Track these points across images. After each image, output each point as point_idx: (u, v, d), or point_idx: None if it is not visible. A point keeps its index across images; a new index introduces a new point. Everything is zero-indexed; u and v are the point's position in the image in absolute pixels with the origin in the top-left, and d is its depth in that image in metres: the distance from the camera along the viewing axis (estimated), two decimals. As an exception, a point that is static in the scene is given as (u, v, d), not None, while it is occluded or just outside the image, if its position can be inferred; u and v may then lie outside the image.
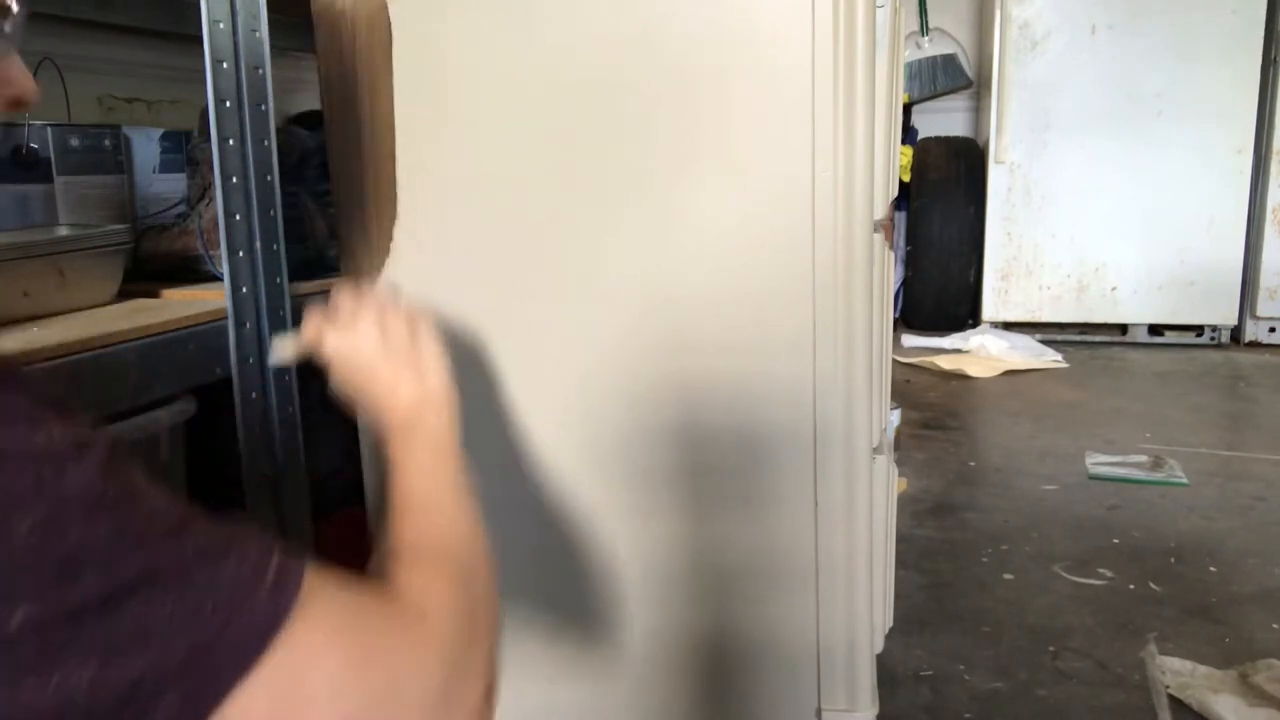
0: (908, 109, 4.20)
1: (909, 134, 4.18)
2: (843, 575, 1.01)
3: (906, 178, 3.97)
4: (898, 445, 2.55)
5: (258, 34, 1.05)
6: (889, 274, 1.30)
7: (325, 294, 1.22)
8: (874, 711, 1.06)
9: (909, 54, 4.24)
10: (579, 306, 1.02)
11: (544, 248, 1.01)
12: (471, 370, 1.06)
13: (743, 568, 1.03)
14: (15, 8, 0.44)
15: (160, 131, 1.34)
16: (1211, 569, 1.88)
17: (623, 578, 1.06)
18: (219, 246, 1.06)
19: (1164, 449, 2.56)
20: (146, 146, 1.32)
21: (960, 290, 4.00)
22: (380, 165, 1.04)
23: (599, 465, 1.04)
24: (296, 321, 1.16)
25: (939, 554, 1.98)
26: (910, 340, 3.88)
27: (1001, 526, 2.11)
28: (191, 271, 1.18)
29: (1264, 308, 3.73)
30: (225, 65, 1.03)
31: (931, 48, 4.31)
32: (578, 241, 1.01)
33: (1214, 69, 3.58)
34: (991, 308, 3.93)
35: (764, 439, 1.00)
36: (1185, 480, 2.34)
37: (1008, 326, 3.92)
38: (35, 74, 0.46)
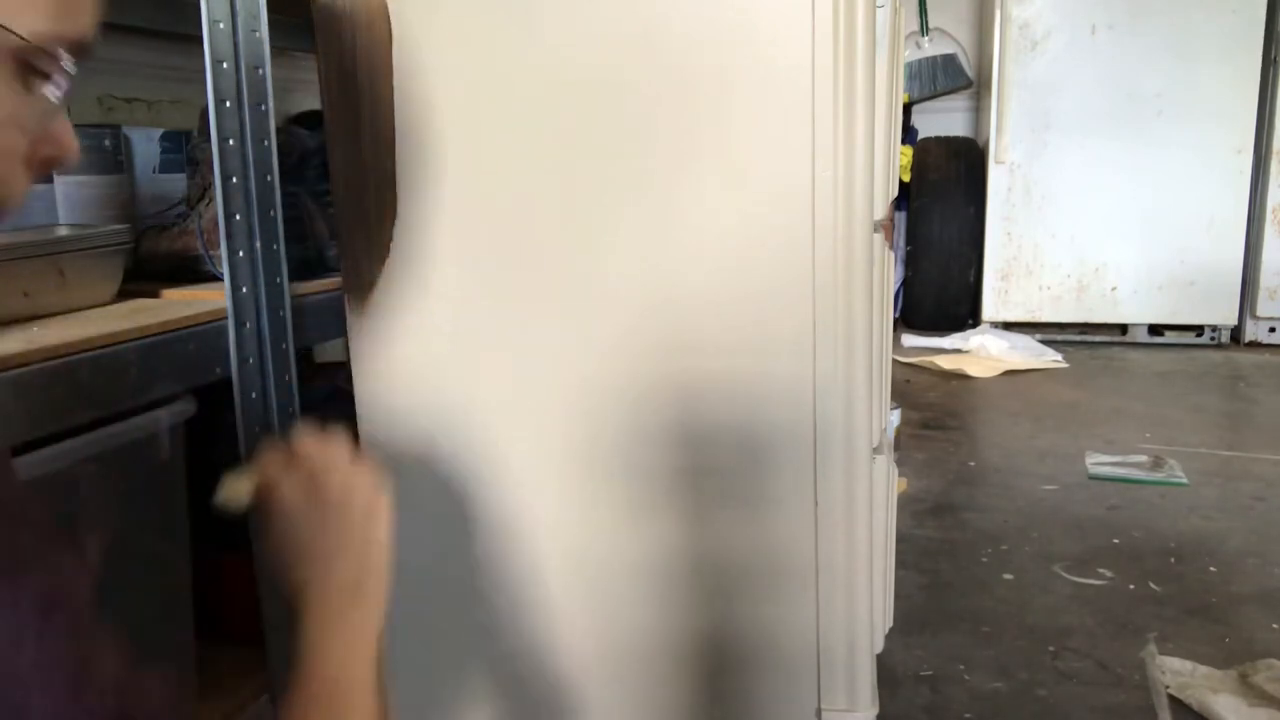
0: (908, 109, 4.20)
1: (909, 134, 4.18)
2: (843, 575, 1.01)
3: (906, 178, 3.97)
4: (898, 445, 2.55)
5: (258, 34, 1.05)
6: (889, 274, 1.30)
7: (325, 293, 1.22)
8: (874, 711, 1.06)
9: (909, 54, 4.24)
10: (579, 306, 1.02)
11: (544, 248, 1.01)
12: (472, 370, 1.06)
13: (743, 567, 1.03)
14: (71, 70, 0.43)
15: (160, 131, 1.34)
16: (1211, 569, 1.88)
17: (623, 577, 1.06)
18: (219, 246, 1.06)
19: (1164, 449, 2.56)
20: (146, 146, 1.32)
21: (960, 290, 4.00)
22: (380, 165, 1.04)
23: (599, 465, 1.04)
24: (297, 321, 1.16)
25: (939, 554, 1.98)
26: (910, 340, 3.88)
27: (1001, 526, 2.11)
28: (191, 271, 1.18)
29: (1264, 308, 3.73)
30: (225, 65, 1.03)
31: (931, 48, 4.31)
32: (578, 241, 1.01)
33: (1214, 69, 3.58)
34: (991, 308, 3.93)
35: (764, 439, 1.00)
36: (1185, 480, 2.34)
37: (1008, 326, 3.92)
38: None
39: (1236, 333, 3.82)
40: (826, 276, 0.96)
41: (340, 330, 1.15)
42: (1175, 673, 1.50)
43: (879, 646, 1.26)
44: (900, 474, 2.25)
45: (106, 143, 1.22)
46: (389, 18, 1.00)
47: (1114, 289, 3.83)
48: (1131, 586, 1.82)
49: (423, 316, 1.06)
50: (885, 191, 1.15)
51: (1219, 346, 3.79)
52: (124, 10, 1.37)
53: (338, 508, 0.67)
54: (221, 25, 1.01)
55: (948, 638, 1.65)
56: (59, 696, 0.39)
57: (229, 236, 1.06)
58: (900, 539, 1.93)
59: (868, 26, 0.95)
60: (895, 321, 4.07)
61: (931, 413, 2.97)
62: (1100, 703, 1.46)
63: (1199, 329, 3.82)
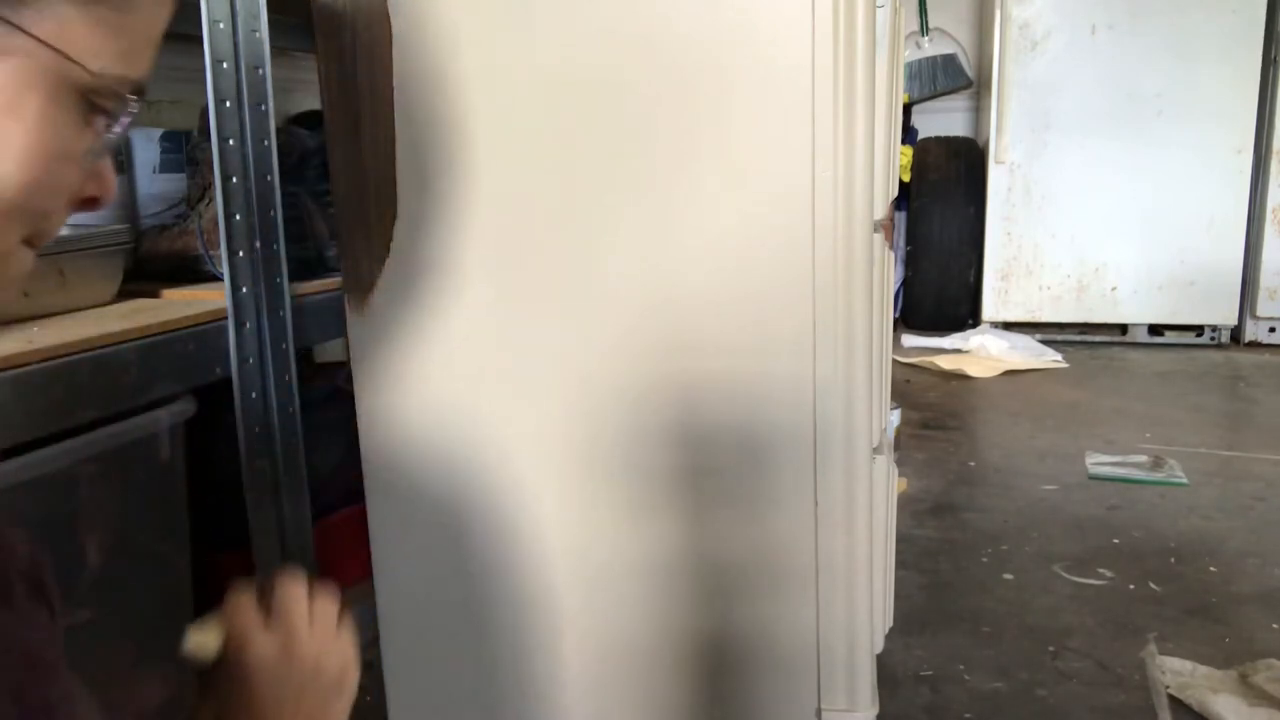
0: (908, 109, 4.20)
1: (909, 134, 4.18)
2: (843, 575, 1.01)
3: (906, 178, 3.97)
4: (898, 445, 2.55)
5: (258, 34, 1.05)
6: (889, 274, 1.30)
7: (325, 293, 1.22)
8: (874, 711, 1.06)
9: (909, 54, 4.24)
10: (579, 306, 1.02)
11: (544, 247, 1.01)
12: (472, 370, 1.06)
13: (743, 567, 1.03)
14: (134, 109, 0.44)
15: (160, 131, 1.34)
16: (1211, 569, 1.88)
17: (623, 577, 1.06)
18: (219, 246, 1.06)
19: (1164, 449, 2.56)
20: (146, 146, 1.32)
21: (960, 290, 4.00)
22: (380, 165, 1.04)
23: (599, 465, 1.04)
24: (297, 321, 1.16)
25: (939, 554, 1.98)
26: (910, 340, 3.88)
27: (1001, 526, 2.11)
28: (191, 271, 1.18)
29: (1264, 308, 3.73)
30: (225, 65, 1.03)
31: (931, 48, 4.31)
32: (578, 241, 1.01)
33: (1214, 69, 3.58)
34: (991, 308, 3.93)
35: (764, 439, 1.00)
36: (1185, 480, 2.34)
37: (1008, 326, 3.92)
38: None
39: (1236, 333, 3.82)
40: (826, 276, 0.96)
41: (340, 330, 1.15)
42: (1175, 673, 1.50)
43: (879, 646, 1.26)
44: (900, 474, 2.25)
45: (106, 143, 1.22)
46: (389, 18, 1.00)
47: (1114, 289, 3.83)
48: (1131, 586, 1.82)
49: (422, 316, 1.06)
50: (885, 191, 1.15)
51: (1219, 346, 3.79)
52: (124, 10, 1.37)
53: (309, 674, 0.62)
54: (221, 25, 1.01)
55: (948, 638, 1.65)
56: None
57: (229, 236, 1.06)
58: (900, 539, 1.93)
59: (868, 26, 0.95)
60: (895, 321, 4.07)
61: (931, 413, 2.97)
62: (1100, 703, 1.46)
63: (1199, 329, 3.82)
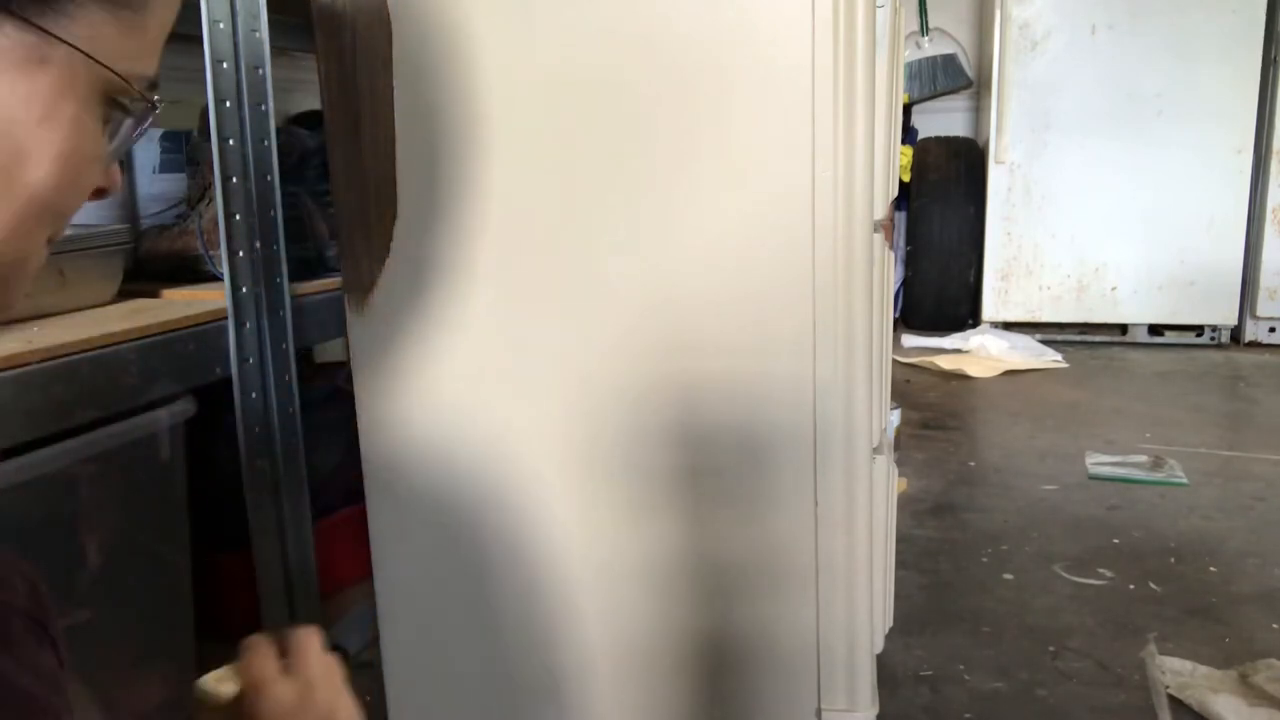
0: (908, 109, 4.20)
1: (909, 134, 4.18)
2: (843, 575, 1.01)
3: (906, 178, 3.97)
4: (898, 445, 2.55)
5: (258, 34, 1.05)
6: (889, 274, 1.30)
7: (325, 293, 1.22)
8: (874, 711, 1.06)
9: (909, 54, 4.24)
10: (579, 306, 1.02)
11: (543, 247, 1.01)
12: (472, 371, 1.06)
13: (743, 567, 1.03)
14: (152, 109, 0.45)
15: (160, 131, 1.34)
16: (1211, 569, 1.88)
17: (623, 577, 1.06)
18: (219, 246, 1.06)
19: (1164, 449, 2.56)
20: (146, 146, 1.32)
21: (960, 290, 4.00)
22: (380, 165, 1.04)
23: (599, 465, 1.04)
24: (297, 321, 1.16)
25: (939, 554, 1.98)
26: (910, 340, 3.88)
27: (1001, 526, 2.11)
28: (191, 271, 1.18)
29: (1264, 308, 3.73)
30: (225, 65, 1.03)
31: (931, 48, 4.31)
32: (578, 241, 1.01)
33: (1214, 69, 3.58)
34: (991, 308, 3.93)
35: (764, 439, 1.00)
36: (1185, 480, 2.34)
37: (1008, 326, 3.92)
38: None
39: (1236, 333, 3.82)
40: (826, 276, 0.96)
41: (340, 330, 1.15)
42: (1175, 673, 1.50)
43: (879, 646, 1.26)
44: (900, 474, 2.25)
45: (106, 143, 1.22)
46: (389, 17, 1.00)
47: (1114, 289, 3.83)
48: (1131, 586, 1.82)
49: (423, 316, 1.06)
50: (885, 191, 1.15)
51: (1219, 346, 3.79)
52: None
53: None
54: (221, 25, 1.02)
55: (948, 638, 1.65)
56: None
57: (229, 236, 1.06)
58: (900, 539, 1.93)
59: (868, 26, 0.95)
60: (895, 321, 4.07)
61: (931, 413, 2.97)
62: (1100, 703, 1.46)
63: (1199, 329, 3.82)
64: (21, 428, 0.84)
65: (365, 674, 1.38)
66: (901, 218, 4.02)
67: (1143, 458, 2.49)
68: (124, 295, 1.11)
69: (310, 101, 1.42)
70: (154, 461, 1.04)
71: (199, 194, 1.20)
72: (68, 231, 1.13)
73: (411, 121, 1.02)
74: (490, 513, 1.08)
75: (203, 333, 1.04)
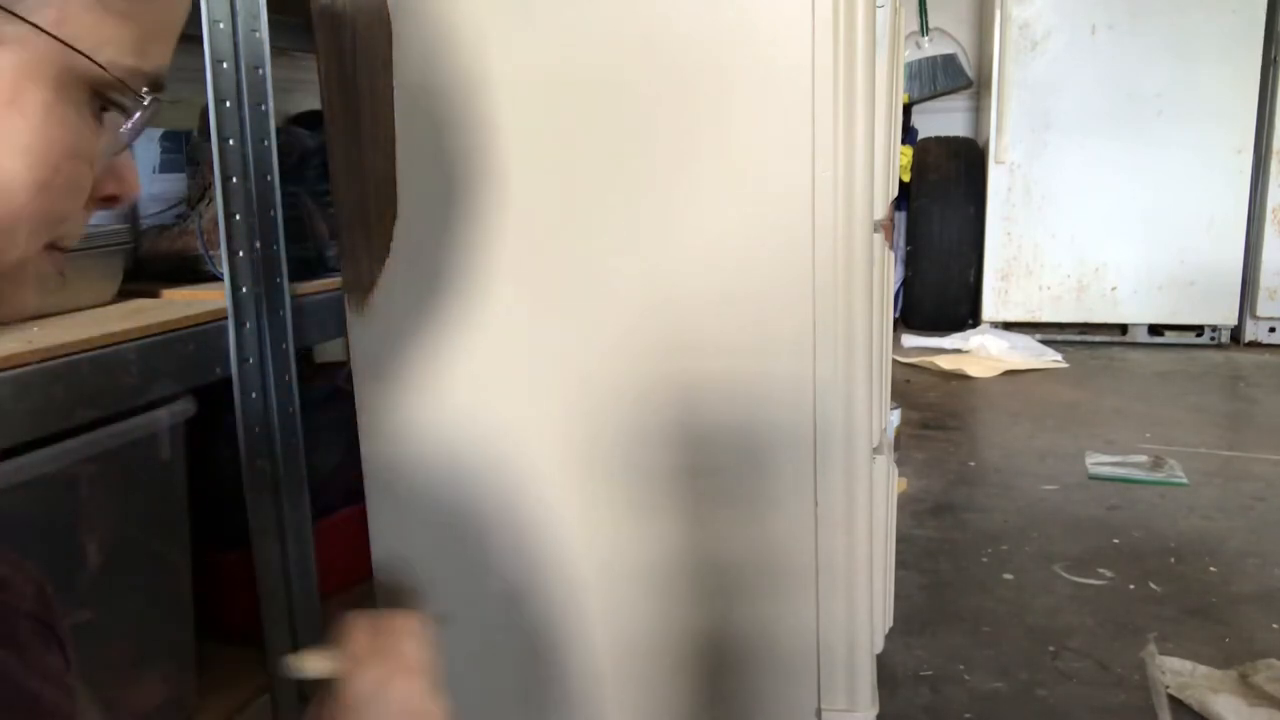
0: (908, 109, 4.20)
1: (909, 134, 4.18)
2: (843, 575, 1.01)
3: (906, 178, 3.97)
4: (898, 445, 2.55)
5: (258, 34, 1.05)
6: (889, 274, 1.30)
7: (325, 293, 1.21)
8: (874, 711, 1.06)
9: (909, 54, 4.24)
10: (579, 306, 1.02)
11: (543, 247, 1.01)
12: (472, 371, 1.06)
13: (743, 567, 1.03)
14: (148, 105, 0.42)
15: (160, 131, 1.34)
16: (1211, 569, 1.88)
17: (622, 577, 1.06)
18: (219, 246, 1.06)
19: (1164, 449, 2.56)
20: (146, 146, 1.32)
21: (960, 290, 4.00)
22: (380, 165, 1.04)
23: (599, 465, 1.04)
24: (297, 321, 1.16)
25: (939, 554, 1.98)
26: (910, 340, 3.88)
27: (1001, 526, 2.11)
28: (191, 271, 1.18)
29: (1264, 308, 3.73)
30: (225, 65, 1.03)
31: (931, 48, 4.31)
32: (577, 241, 1.01)
33: (1214, 69, 3.58)
34: (991, 308, 3.93)
35: (764, 439, 1.00)
36: (1185, 480, 2.34)
37: (1008, 326, 3.92)
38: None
39: (1236, 333, 3.82)
40: (826, 276, 0.96)
41: (340, 330, 1.15)
42: (1175, 673, 1.50)
43: (879, 646, 1.26)
44: (900, 474, 2.25)
45: (106, 143, 1.22)
46: (389, 18, 1.00)
47: (1114, 289, 3.83)
48: (1131, 586, 1.82)
49: (422, 316, 1.06)
50: (885, 191, 1.15)
51: (1219, 346, 3.79)
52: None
53: (411, 713, 0.60)
54: (221, 25, 1.02)
55: (948, 638, 1.65)
56: None
57: (229, 236, 1.06)
58: (900, 539, 1.93)
59: (868, 26, 0.95)
60: (895, 321, 4.07)
61: (931, 413, 2.97)
62: (1100, 703, 1.46)
63: (1199, 329, 3.82)
64: (21, 428, 0.84)
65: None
66: (901, 218, 4.02)
67: (1143, 458, 2.49)
68: (124, 295, 1.11)
69: (310, 101, 1.42)
70: (154, 461, 1.04)
71: (199, 194, 1.20)
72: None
73: (411, 121, 1.02)
74: (490, 513, 1.08)
75: (203, 333, 1.04)
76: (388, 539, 1.12)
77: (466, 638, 1.12)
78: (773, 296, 0.97)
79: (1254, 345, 3.78)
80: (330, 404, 1.35)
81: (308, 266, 1.24)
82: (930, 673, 1.54)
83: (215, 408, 1.10)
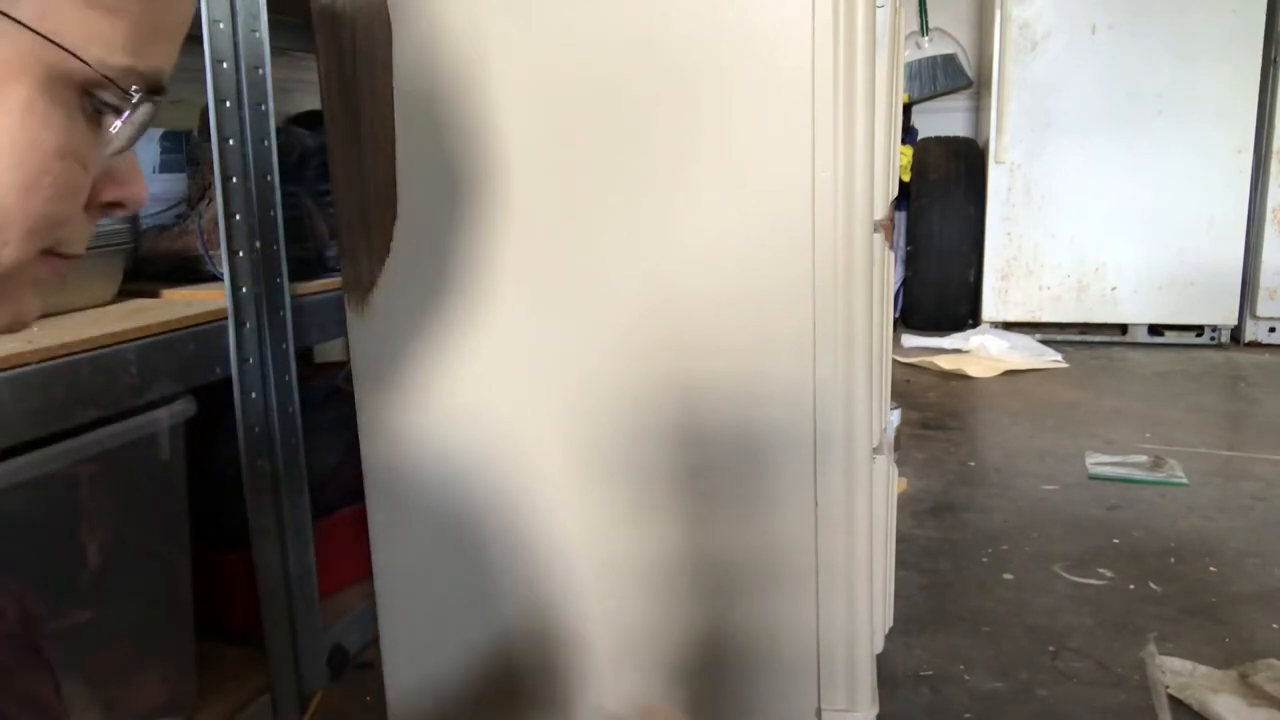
0: (908, 109, 4.20)
1: (909, 134, 4.18)
2: (843, 575, 1.01)
3: (906, 178, 3.97)
4: (898, 445, 2.55)
5: (258, 34, 1.05)
6: (889, 274, 1.30)
7: (325, 292, 1.21)
8: (874, 711, 1.06)
9: (909, 54, 4.24)
10: (579, 306, 1.02)
11: (543, 248, 1.01)
12: (471, 371, 1.06)
13: (742, 567, 1.03)
14: (145, 106, 0.40)
15: (160, 131, 1.34)
16: (1211, 569, 1.88)
17: (622, 577, 1.06)
18: (219, 246, 1.06)
19: (1164, 449, 2.56)
20: (146, 146, 1.32)
21: (960, 290, 4.00)
22: (380, 165, 1.04)
23: (599, 465, 1.04)
24: (297, 321, 1.16)
25: (939, 554, 1.98)
26: (910, 340, 3.88)
27: (1001, 526, 2.11)
28: (191, 271, 1.18)
29: (1264, 308, 3.73)
30: (225, 65, 1.03)
31: (931, 48, 4.31)
32: (577, 242, 1.01)
33: (1214, 69, 3.58)
34: (991, 308, 3.93)
35: (764, 439, 1.00)
36: (1185, 480, 2.34)
37: (1008, 326, 3.92)
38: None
39: (1236, 333, 3.82)
40: (826, 276, 0.96)
41: (340, 330, 1.15)
42: (1175, 673, 1.50)
43: (879, 646, 1.26)
44: (900, 474, 2.25)
45: (106, 143, 1.22)
46: (389, 18, 1.00)
47: (1114, 289, 3.83)
48: (1131, 586, 1.82)
49: (422, 316, 1.06)
50: (885, 191, 1.15)
51: (1219, 346, 3.79)
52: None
53: None
54: (221, 25, 1.02)
55: (948, 638, 1.65)
56: None
57: (229, 236, 1.06)
58: (900, 539, 1.93)
59: (868, 27, 0.95)
60: (895, 321, 4.07)
61: (931, 413, 2.97)
62: (1100, 703, 1.46)
63: (1199, 329, 3.82)
64: (21, 428, 0.84)
65: (365, 674, 1.38)
66: (901, 218, 4.02)
67: (1143, 458, 2.49)
68: (124, 295, 1.11)
69: (310, 101, 1.42)
70: (154, 461, 1.04)
71: (199, 194, 1.20)
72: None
73: (411, 121, 1.02)
74: (490, 512, 1.08)
75: (203, 333, 1.04)
76: (387, 539, 1.12)
77: (466, 637, 1.12)
78: (773, 296, 0.97)
79: (1254, 345, 3.78)
80: (330, 404, 1.35)
81: (308, 266, 1.24)
82: (930, 673, 1.54)
83: (215, 408, 1.10)
